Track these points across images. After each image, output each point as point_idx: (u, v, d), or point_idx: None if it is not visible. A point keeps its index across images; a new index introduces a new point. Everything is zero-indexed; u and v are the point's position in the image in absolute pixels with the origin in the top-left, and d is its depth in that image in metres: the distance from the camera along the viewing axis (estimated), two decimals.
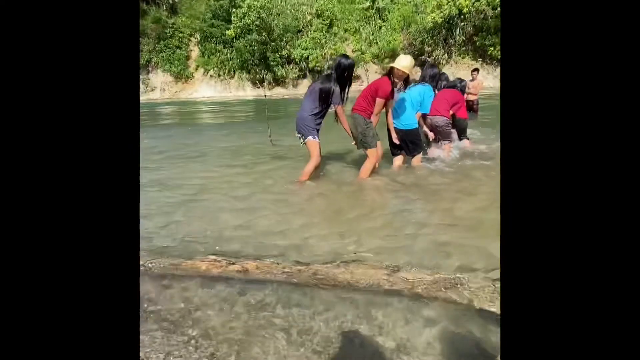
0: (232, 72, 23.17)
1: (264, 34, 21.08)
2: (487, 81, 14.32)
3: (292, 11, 22.51)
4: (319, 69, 21.07)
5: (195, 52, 24.28)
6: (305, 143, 3.05)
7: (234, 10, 21.15)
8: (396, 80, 3.03)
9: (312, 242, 2.02)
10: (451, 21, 19.34)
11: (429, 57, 19.49)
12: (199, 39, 23.81)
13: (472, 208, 2.50)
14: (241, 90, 22.89)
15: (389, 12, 21.51)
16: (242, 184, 3.25)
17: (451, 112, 3.99)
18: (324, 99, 2.93)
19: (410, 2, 21.37)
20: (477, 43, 19.76)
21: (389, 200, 2.85)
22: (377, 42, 20.98)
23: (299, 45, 21.65)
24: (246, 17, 20.68)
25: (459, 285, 1.50)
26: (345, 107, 3.08)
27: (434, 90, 3.51)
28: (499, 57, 19.21)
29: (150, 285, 1.59)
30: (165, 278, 1.66)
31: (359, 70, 19.10)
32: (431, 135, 3.78)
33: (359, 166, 3.56)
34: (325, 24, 21.78)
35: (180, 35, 23.83)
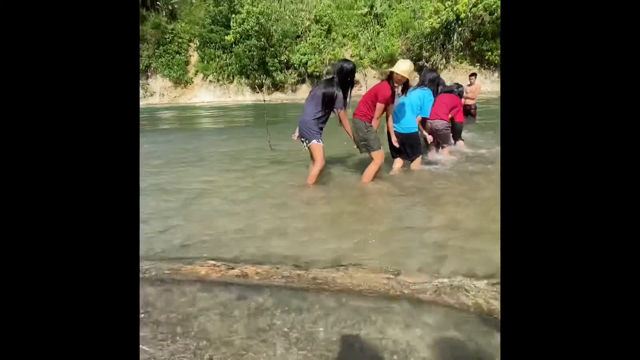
0: (231, 77, 23.28)
1: (262, 39, 21.22)
2: (484, 86, 14.42)
3: (291, 17, 22.68)
4: (317, 74, 21.18)
5: (194, 57, 24.39)
6: (309, 147, 3.05)
7: (233, 16, 21.30)
8: (396, 85, 3.06)
9: (312, 247, 2.02)
10: (449, 26, 19.51)
11: (427, 62, 19.64)
12: (198, 44, 23.94)
13: (472, 212, 2.51)
14: (240, 95, 22.97)
15: (387, 18, 21.70)
16: (242, 189, 3.25)
17: (450, 116, 4.04)
18: (327, 104, 2.94)
19: (408, 8, 21.57)
20: (475, 48, 19.92)
21: (389, 205, 2.85)
22: (375, 48, 21.14)
23: (297, 51, 21.78)
24: (245, 23, 20.82)
25: (459, 290, 1.49)
26: (346, 111, 3.10)
27: (434, 94, 3.54)
28: (496, 62, 19.39)
29: (150, 289, 1.58)
30: (165, 283, 1.65)
31: (357, 76, 19.18)
32: (430, 138, 3.81)
33: (359, 170, 3.57)
34: (323, 30, 21.94)
35: (180, 40, 23.96)
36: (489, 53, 19.61)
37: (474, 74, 6.80)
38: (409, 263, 1.78)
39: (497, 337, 1.22)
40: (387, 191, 3.08)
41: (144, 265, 1.79)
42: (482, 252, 1.83)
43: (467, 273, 1.65)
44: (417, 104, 3.41)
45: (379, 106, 3.06)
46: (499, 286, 1.46)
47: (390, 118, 3.30)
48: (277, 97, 21.73)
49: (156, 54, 23.54)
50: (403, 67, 3.01)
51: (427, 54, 20.47)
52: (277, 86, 22.55)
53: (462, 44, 20.11)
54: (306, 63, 21.48)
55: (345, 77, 2.98)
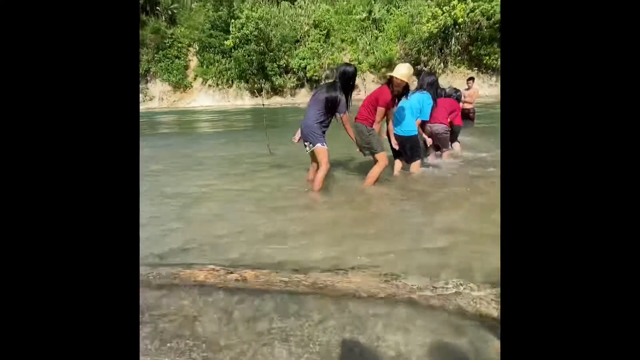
0: (230, 82, 23.37)
1: (262, 44, 21.35)
2: (482, 89, 14.49)
3: (290, 22, 22.85)
4: (316, 78, 21.30)
5: (193, 61, 24.50)
6: (313, 151, 3.04)
7: (233, 21, 21.44)
8: (395, 89, 3.08)
9: (311, 251, 2.01)
10: (446, 31, 19.68)
11: (425, 67, 19.78)
12: (197, 49, 24.07)
13: (471, 215, 2.51)
14: (239, 99, 23.04)
15: (386, 23, 21.87)
16: (241, 192, 3.25)
17: (448, 120, 4.10)
18: (331, 108, 2.95)
19: (406, 13, 21.76)
20: (473, 52, 20.08)
21: (388, 208, 2.86)
22: (373, 52, 21.28)
23: (296, 55, 21.91)
24: (244, 28, 20.96)
25: (459, 295, 1.49)
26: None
27: (433, 97, 3.58)
28: (494, 66, 19.54)
29: (148, 294, 1.58)
30: (163, 287, 1.64)
31: (356, 80, 19.32)
32: (429, 141, 3.85)
33: (359, 173, 3.58)
34: (322, 34, 22.10)
35: (179, 45, 24.09)
36: (487, 57, 19.77)
37: (472, 78, 6.87)
38: (409, 267, 1.77)
39: (497, 342, 1.22)
40: (388, 195, 3.09)
41: (142, 269, 1.78)
42: (482, 256, 1.83)
43: (467, 277, 1.65)
44: (416, 107, 3.45)
45: (380, 110, 3.09)
46: (499, 291, 1.45)
47: (390, 122, 3.35)
48: (276, 101, 21.81)
49: (155, 58, 23.64)
50: (402, 71, 3.04)
51: (426, 58, 20.62)
52: (276, 90, 22.65)
53: (459, 48, 20.28)
54: (305, 67, 21.60)
55: (348, 81, 2.99)
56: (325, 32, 22.15)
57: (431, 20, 19.26)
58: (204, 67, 23.67)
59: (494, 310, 1.38)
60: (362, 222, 2.48)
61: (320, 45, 21.87)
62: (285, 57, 22.08)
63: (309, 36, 22.41)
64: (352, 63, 3.41)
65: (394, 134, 3.40)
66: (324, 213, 2.71)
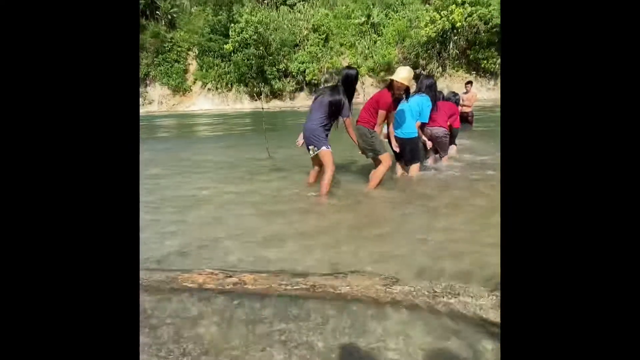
0: (229, 85, 23.43)
1: (261, 48, 21.44)
2: (480, 93, 14.57)
3: (289, 26, 22.96)
4: (315, 82, 21.38)
5: (193, 65, 24.57)
6: (317, 154, 3.03)
7: (232, 25, 21.55)
8: (396, 92, 3.10)
9: (310, 254, 2.01)
10: (445, 35, 19.81)
11: (424, 70, 19.87)
12: (197, 52, 24.15)
13: (471, 218, 2.51)
14: (239, 103, 23.09)
15: (384, 27, 22.00)
16: (240, 196, 3.25)
17: (448, 124, 4.13)
18: (335, 112, 2.96)
19: (404, 17, 21.90)
20: (471, 56, 20.20)
21: (388, 211, 2.85)
22: (372, 56, 21.39)
23: (295, 59, 22.00)
24: (244, 32, 21.06)
25: (458, 297, 1.49)
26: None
27: (432, 100, 3.61)
28: (492, 69, 19.65)
29: (147, 297, 1.57)
30: (162, 291, 1.63)
31: None
32: (429, 144, 3.88)
33: (359, 177, 3.59)
34: (321, 39, 22.21)
35: (179, 49, 24.17)
36: (485, 61, 19.88)
37: (470, 82, 6.92)
38: (408, 270, 1.77)
39: (497, 345, 1.21)
40: (387, 197, 3.09)
41: (141, 273, 1.77)
42: (482, 260, 1.83)
43: (467, 280, 1.64)
44: (416, 109, 3.50)
45: (381, 113, 3.12)
46: (499, 293, 1.45)
47: (391, 124, 3.39)
48: (276, 104, 21.86)
49: (155, 62, 23.71)
50: (403, 75, 3.07)
51: (424, 62, 20.73)
52: (275, 94, 22.72)
53: (458, 52, 20.40)
54: (304, 71, 21.68)
55: (351, 84, 3.02)
56: (324, 36, 22.26)
57: (429, 24, 19.39)
58: (204, 70, 23.74)
59: (494, 312, 1.38)
60: (362, 226, 2.48)
61: (319, 49, 21.97)
62: (285, 61, 22.18)
63: (308, 40, 22.52)
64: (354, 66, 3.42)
65: (394, 136, 3.42)
66: (323, 216, 2.71)
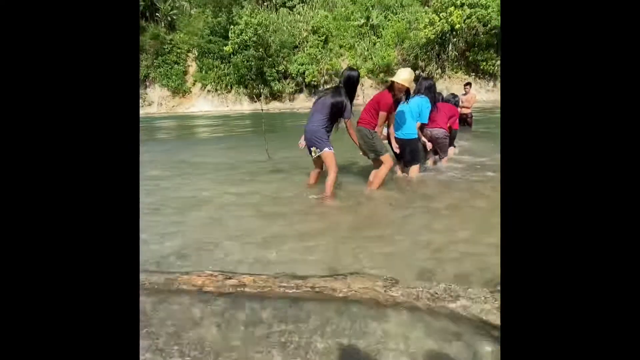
0: (229, 87, 23.48)
1: (261, 49, 21.50)
2: (479, 95, 14.59)
3: (289, 28, 23.03)
4: (315, 83, 21.42)
5: (192, 67, 24.62)
6: (319, 156, 3.02)
7: (232, 27, 21.61)
8: (397, 93, 3.11)
9: (310, 256, 2.00)
10: (444, 37, 19.88)
11: (423, 72, 19.94)
12: (196, 54, 24.20)
13: (471, 220, 2.51)
14: (238, 104, 23.12)
15: (383, 29, 22.08)
16: (240, 197, 3.24)
17: (448, 125, 4.15)
18: (336, 113, 2.96)
19: (403, 19, 21.98)
20: (470, 58, 20.27)
21: (388, 212, 2.85)
22: (371, 58, 21.45)
23: (295, 61, 22.05)
24: (243, 34, 21.12)
25: (459, 299, 1.48)
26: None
27: (431, 101, 3.63)
28: (491, 71, 19.72)
29: (146, 299, 1.56)
30: (161, 293, 1.63)
31: None
32: (429, 145, 3.89)
33: (359, 178, 3.59)
34: (320, 40, 22.28)
35: (179, 51, 24.22)
36: (484, 63, 19.95)
37: (469, 84, 6.93)
38: (408, 272, 1.77)
39: (497, 347, 1.21)
40: (388, 199, 3.09)
41: (140, 275, 1.76)
42: (482, 262, 1.82)
43: (467, 281, 1.64)
44: (415, 111, 3.53)
45: (382, 114, 3.14)
46: (499, 294, 1.45)
47: (392, 125, 3.41)
48: (275, 106, 21.89)
49: (155, 64, 23.75)
50: (404, 76, 3.09)
51: (423, 64, 20.81)
52: (274, 95, 22.76)
53: (457, 54, 20.47)
54: (304, 73, 21.73)
55: (352, 85, 3.02)
56: (323, 38, 22.33)
57: (428, 26, 19.47)
58: (203, 72, 23.79)
59: (494, 314, 1.38)
60: (362, 227, 2.48)
61: (319, 51, 22.04)
62: (284, 62, 22.23)
63: (307, 42, 22.59)
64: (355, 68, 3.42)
65: (395, 137, 3.44)
66: (322, 217, 2.70)
